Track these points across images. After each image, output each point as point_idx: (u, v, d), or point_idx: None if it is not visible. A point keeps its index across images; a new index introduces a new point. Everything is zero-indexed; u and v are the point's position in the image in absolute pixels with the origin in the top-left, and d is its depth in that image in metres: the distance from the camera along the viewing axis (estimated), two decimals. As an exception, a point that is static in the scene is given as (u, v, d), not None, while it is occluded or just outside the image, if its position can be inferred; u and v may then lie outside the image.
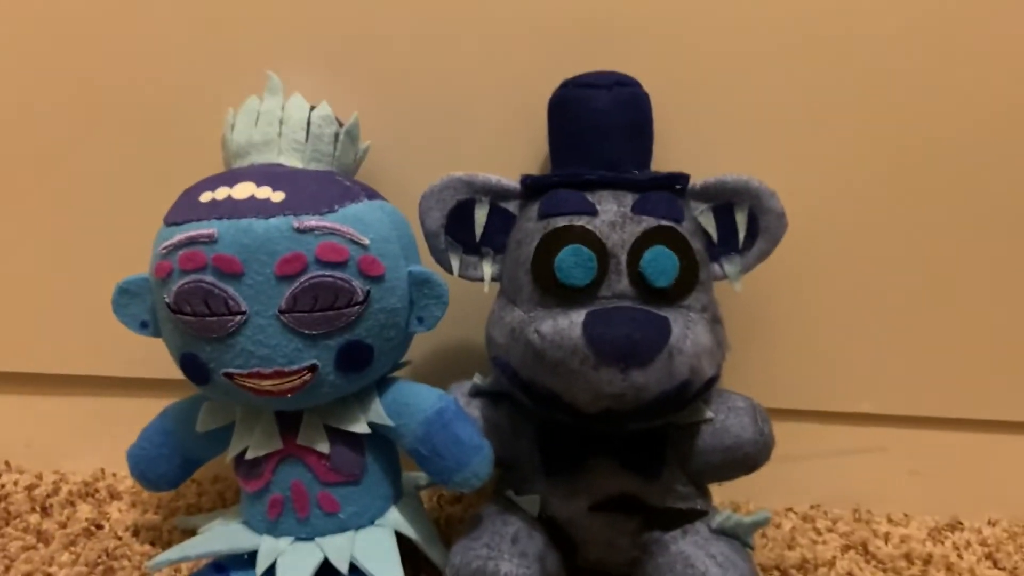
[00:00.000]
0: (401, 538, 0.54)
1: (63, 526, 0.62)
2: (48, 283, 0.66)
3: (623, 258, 0.50)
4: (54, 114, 0.63)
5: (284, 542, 0.52)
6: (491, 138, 0.62)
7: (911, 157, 0.62)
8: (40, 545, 0.60)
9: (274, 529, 0.53)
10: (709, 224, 0.54)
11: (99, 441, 0.68)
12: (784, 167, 0.61)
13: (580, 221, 0.51)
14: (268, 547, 0.52)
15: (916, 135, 0.61)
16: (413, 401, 0.53)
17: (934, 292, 0.64)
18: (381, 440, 0.54)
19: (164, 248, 0.47)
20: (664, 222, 0.51)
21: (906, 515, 0.69)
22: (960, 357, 0.66)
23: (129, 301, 0.51)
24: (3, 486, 0.67)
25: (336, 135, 0.54)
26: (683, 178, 0.53)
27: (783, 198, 0.52)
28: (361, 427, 0.52)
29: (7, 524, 0.62)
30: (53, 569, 0.57)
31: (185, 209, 0.48)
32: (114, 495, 0.67)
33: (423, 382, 0.55)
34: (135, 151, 0.63)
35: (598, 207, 0.51)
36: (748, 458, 0.54)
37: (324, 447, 0.51)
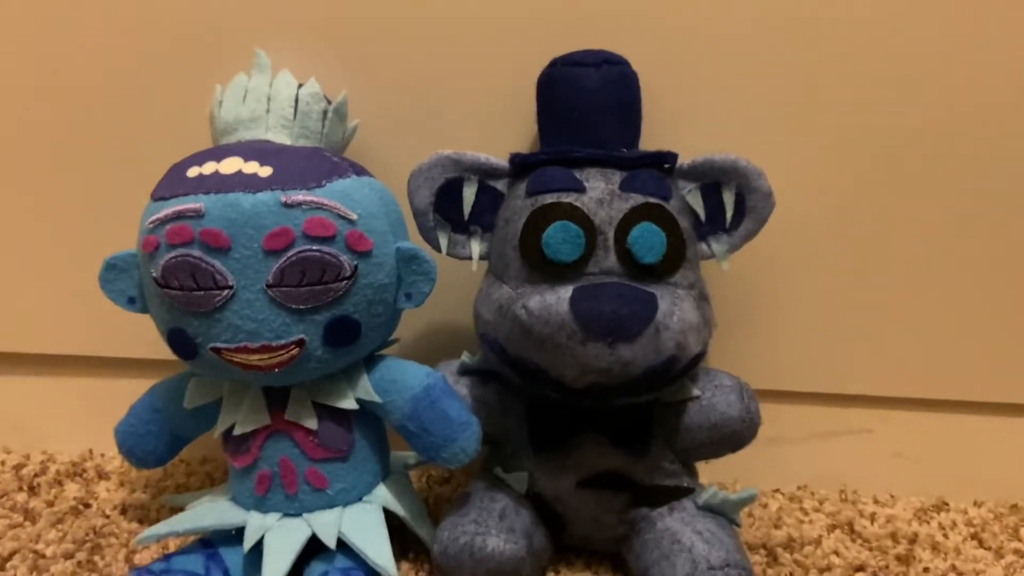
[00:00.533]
0: (389, 515, 0.54)
1: (50, 505, 0.62)
2: (36, 262, 0.66)
3: (610, 235, 0.50)
4: (40, 91, 0.63)
5: (272, 518, 0.52)
6: (480, 117, 0.62)
7: (900, 138, 0.62)
8: (27, 523, 0.60)
9: (262, 505, 0.53)
10: (697, 203, 0.54)
11: (87, 422, 0.68)
12: (772, 146, 0.61)
13: (568, 198, 0.51)
14: (256, 523, 0.52)
15: (908, 114, 0.61)
16: (401, 378, 0.53)
17: (922, 274, 0.65)
18: (369, 417, 0.54)
19: (151, 223, 0.47)
20: (652, 199, 0.51)
21: (892, 496, 0.69)
22: (947, 339, 0.66)
23: (116, 277, 0.51)
24: (-9, 466, 0.67)
25: (324, 113, 0.54)
26: (671, 157, 0.54)
27: (771, 178, 0.53)
28: (349, 403, 0.52)
29: (-6, 503, 0.62)
30: (40, 546, 0.57)
31: (172, 184, 0.48)
32: (102, 475, 0.67)
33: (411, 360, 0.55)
34: (123, 128, 0.63)
35: (586, 184, 0.51)
36: (734, 436, 0.54)
37: (312, 423, 0.52)
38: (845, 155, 0.62)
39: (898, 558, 0.60)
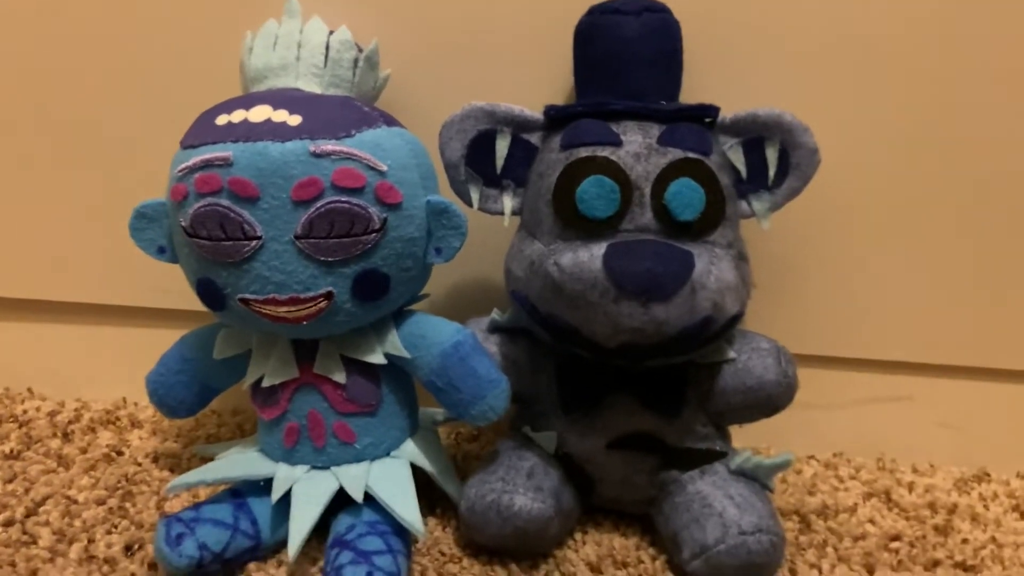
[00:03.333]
0: (416, 471, 0.54)
1: (83, 451, 0.63)
2: (70, 211, 0.66)
3: (647, 190, 0.48)
4: (72, 39, 0.62)
5: (300, 470, 0.52)
6: (514, 67, 0.60)
7: (950, 95, 0.59)
8: (60, 469, 0.61)
9: (290, 457, 0.53)
10: (738, 159, 0.52)
11: (121, 370, 0.68)
12: (819, 101, 0.58)
13: (603, 152, 0.49)
14: (284, 474, 0.52)
15: (961, 68, 0.58)
16: (430, 333, 0.52)
17: (969, 237, 0.62)
18: (398, 372, 0.53)
19: (180, 171, 0.47)
20: (691, 154, 0.49)
21: (932, 465, 0.68)
22: (994, 305, 0.64)
23: (146, 225, 0.50)
24: (25, 412, 0.68)
25: (355, 61, 0.53)
26: (713, 110, 0.51)
27: (816, 134, 0.50)
28: (377, 358, 0.51)
29: (28, 448, 0.63)
30: (73, 492, 0.58)
31: (201, 132, 0.47)
32: (135, 423, 0.68)
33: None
34: (154, 75, 0.62)
35: (623, 138, 0.49)
36: (770, 400, 0.53)
37: (340, 377, 0.51)
38: (893, 112, 0.60)
39: (936, 528, 0.59)
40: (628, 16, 0.51)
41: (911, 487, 0.64)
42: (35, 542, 0.52)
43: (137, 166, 0.62)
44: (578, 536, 0.56)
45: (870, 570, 0.54)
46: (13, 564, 0.50)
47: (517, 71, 0.60)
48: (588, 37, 0.53)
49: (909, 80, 0.59)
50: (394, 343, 0.52)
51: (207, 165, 0.46)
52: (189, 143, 0.47)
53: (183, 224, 0.47)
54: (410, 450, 0.55)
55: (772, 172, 0.52)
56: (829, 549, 0.56)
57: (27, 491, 0.57)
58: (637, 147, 0.49)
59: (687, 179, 0.48)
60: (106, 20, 0.62)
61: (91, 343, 0.71)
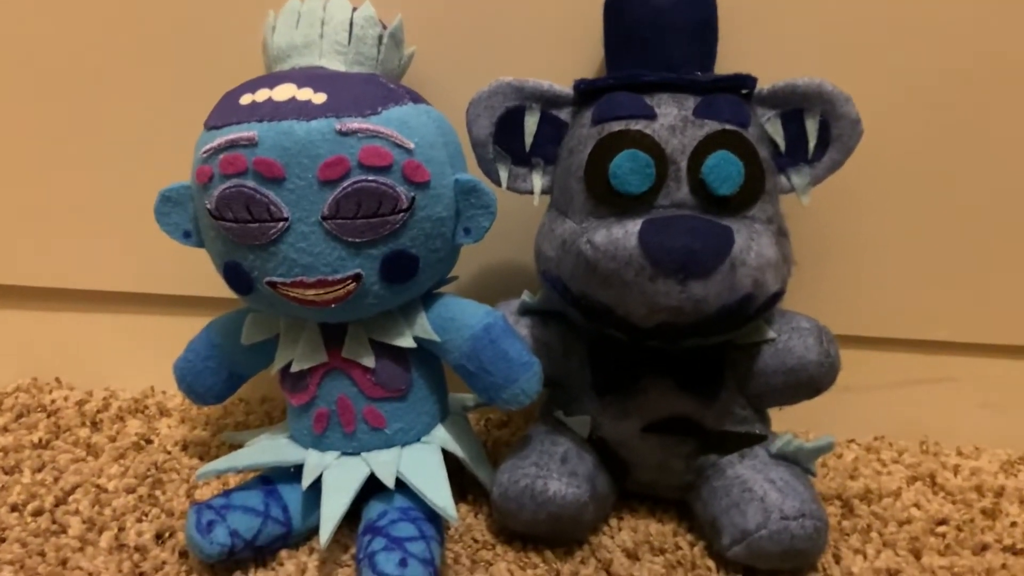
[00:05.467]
0: (447, 457, 0.53)
1: (112, 440, 0.63)
2: (95, 199, 0.66)
3: (683, 164, 0.47)
4: (95, 22, 0.62)
5: (330, 456, 0.52)
6: (542, 41, 0.58)
7: (997, 68, 0.57)
8: (90, 458, 0.60)
9: (320, 443, 0.52)
10: (776, 132, 0.50)
11: (148, 359, 0.68)
12: (860, 71, 0.56)
13: (637, 125, 0.48)
14: (314, 461, 0.51)
15: (1007, 39, 0.56)
16: (460, 316, 0.51)
17: (1014, 214, 0.60)
18: (427, 356, 0.52)
19: (205, 152, 0.46)
20: (729, 126, 0.47)
21: (977, 448, 0.66)
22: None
23: (171, 209, 0.50)
24: (53, 401, 0.68)
25: (380, 38, 0.52)
26: (750, 81, 0.50)
27: (857, 104, 0.48)
28: (406, 341, 0.50)
29: (56, 438, 0.63)
30: (102, 481, 0.57)
31: (225, 112, 0.46)
32: (163, 412, 0.67)
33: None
34: (177, 57, 0.62)
35: (657, 110, 0.48)
36: (812, 381, 0.51)
37: (369, 361, 0.50)
38: (937, 80, 0.58)
39: (984, 512, 0.57)
40: (661, -16, 0.49)
41: (956, 470, 0.62)
42: (65, 531, 0.52)
43: (161, 149, 0.61)
44: (613, 522, 0.55)
45: (917, 555, 0.52)
46: (43, 554, 0.50)
47: (545, 45, 0.58)
48: (619, 7, 0.51)
49: (953, 47, 0.57)
50: (423, 326, 0.51)
51: (232, 146, 0.45)
52: (213, 124, 0.46)
53: (208, 207, 0.46)
54: (441, 435, 0.54)
55: (812, 144, 0.50)
56: (874, 534, 0.54)
57: (56, 480, 0.57)
58: (672, 120, 0.47)
59: (725, 152, 0.46)
60: (129, 3, 0.61)
61: (118, 331, 0.71)
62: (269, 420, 0.66)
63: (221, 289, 0.50)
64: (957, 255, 0.62)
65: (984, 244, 0.61)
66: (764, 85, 0.50)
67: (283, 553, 0.51)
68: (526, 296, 0.56)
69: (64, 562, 0.49)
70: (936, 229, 0.61)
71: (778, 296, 0.47)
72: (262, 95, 0.46)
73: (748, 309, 0.46)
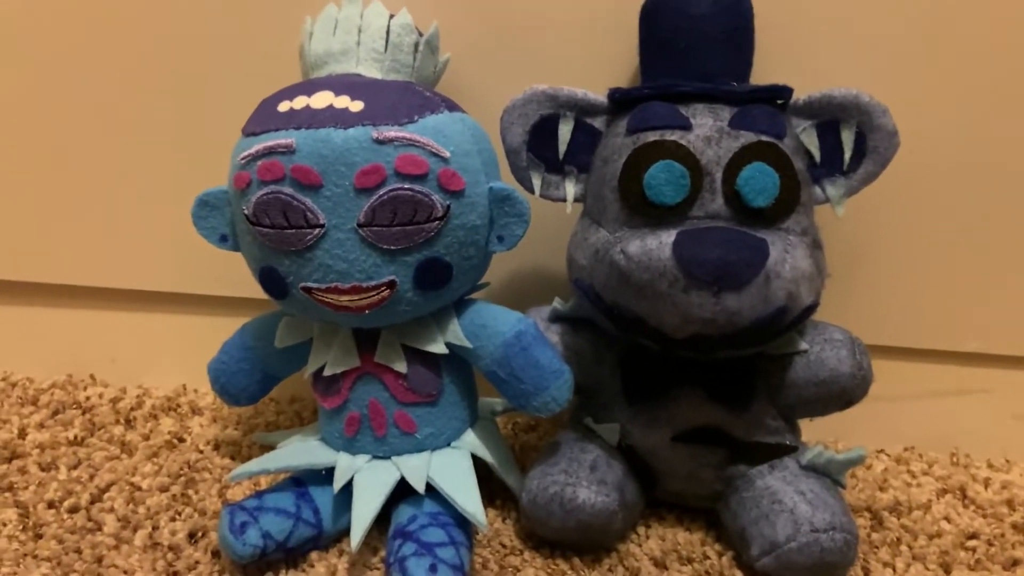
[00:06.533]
0: (476, 462, 0.53)
1: (146, 438, 0.64)
2: (132, 199, 0.67)
3: (718, 175, 0.47)
4: (132, 26, 0.62)
5: (361, 459, 0.52)
6: (577, 49, 0.58)
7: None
8: (124, 456, 0.61)
9: (351, 446, 0.52)
10: (812, 143, 0.50)
11: (181, 358, 0.69)
12: (896, 82, 0.56)
13: (672, 135, 0.47)
14: (345, 463, 0.52)
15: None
16: (492, 323, 0.51)
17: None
18: (458, 362, 0.53)
19: (243, 158, 0.46)
20: (764, 138, 0.47)
21: (1008, 460, 0.65)
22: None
23: (209, 213, 0.50)
24: (88, 398, 0.69)
25: (416, 45, 0.52)
26: (786, 91, 0.50)
27: (894, 116, 0.48)
28: (438, 347, 0.51)
29: (91, 435, 0.64)
30: (136, 479, 0.58)
31: (263, 119, 0.47)
32: (195, 410, 0.68)
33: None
34: (215, 62, 0.62)
35: (692, 121, 0.48)
36: (844, 393, 0.51)
37: (401, 366, 0.51)
38: (974, 92, 0.57)
39: (1015, 526, 0.56)
40: (698, -7, 0.49)
41: (987, 483, 0.62)
42: (100, 529, 0.53)
43: (198, 152, 0.62)
44: (641, 530, 0.55)
45: (947, 569, 0.52)
46: (79, 551, 0.51)
47: (580, 53, 0.58)
48: (655, 16, 0.51)
49: (991, 60, 0.56)
50: (455, 332, 0.51)
51: (270, 152, 0.45)
52: (251, 130, 0.47)
53: (246, 212, 0.47)
54: (471, 440, 0.54)
55: (848, 156, 0.50)
56: (903, 547, 0.54)
57: (92, 477, 0.58)
58: (708, 130, 0.47)
59: (760, 163, 0.46)
60: (169, 5, 0.61)
61: (151, 330, 0.71)
62: (299, 420, 0.67)
63: (253, 290, 0.51)
64: (990, 266, 0.61)
65: (1018, 256, 0.60)
66: (800, 95, 0.50)
67: (313, 555, 0.51)
68: (557, 303, 0.56)
69: (100, 560, 0.50)
70: (969, 240, 0.60)
71: (812, 309, 0.47)
72: (300, 102, 0.46)
73: (782, 322, 0.46)
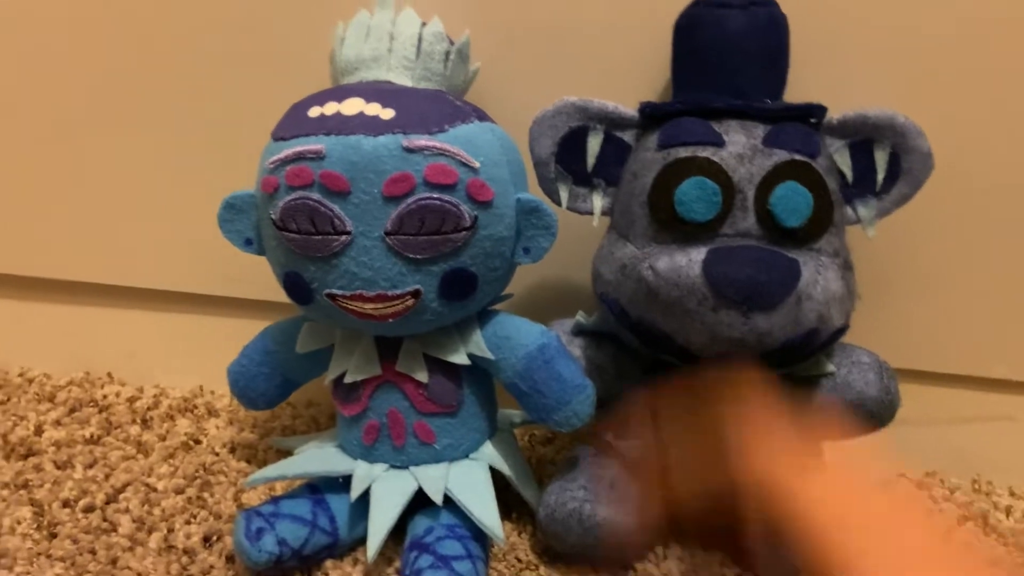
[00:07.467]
0: (493, 473, 0.52)
1: (162, 439, 0.63)
2: (157, 200, 0.67)
3: (750, 194, 0.46)
4: (163, 30, 0.62)
5: (379, 468, 0.52)
6: (609, 61, 0.58)
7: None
8: (140, 456, 0.61)
9: (369, 455, 0.52)
10: (844, 162, 0.50)
11: (199, 359, 0.69)
12: (933, 104, 0.55)
13: (704, 152, 0.47)
14: (363, 472, 0.51)
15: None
16: (515, 335, 0.51)
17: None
18: (479, 373, 0.52)
19: (271, 163, 0.46)
20: (798, 156, 0.47)
21: (1031, 489, 0.64)
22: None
23: (234, 216, 0.50)
24: (105, 397, 0.69)
25: (447, 53, 0.52)
26: (820, 110, 0.49)
27: (929, 138, 0.48)
28: (460, 358, 0.50)
29: (108, 434, 0.64)
30: (152, 480, 0.58)
31: (293, 124, 0.47)
32: (212, 412, 0.68)
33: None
34: (246, 66, 0.62)
35: (725, 138, 0.47)
36: (871, 416, 0.51)
37: (422, 376, 0.50)
38: (1010, 115, 0.56)
39: (1037, 557, 0.56)
40: (734, 9, 0.48)
41: (1008, 511, 0.61)
42: (115, 530, 0.53)
43: (227, 156, 0.62)
44: (660, 550, 0.54)
45: (969, 600, 0.51)
46: (93, 552, 0.51)
47: (611, 66, 0.58)
48: (690, 31, 0.51)
49: (1026, 81, 0.55)
50: (478, 343, 0.51)
51: (299, 158, 0.45)
52: (281, 135, 0.47)
53: (273, 217, 0.46)
54: (489, 453, 0.53)
55: (881, 176, 0.49)
56: (925, 575, 0.53)
57: (107, 477, 0.58)
58: (740, 148, 0.47)
59: (793, 183, 0.46)
60: (200, 10, 0.61)
61: (168, 330, 0.71)
62: (316, 424, 0.67)
63: (273, 293, 0.51)
64: (1018, 292, 0.60)
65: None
66: (833, 114, 0.49)
67: (328, 563, 0.51)
68: (580, 316, 0.56)
69: (114, 561, 0.50)
70: (998, 266, 0.60)
71: (842, 331, 0.47)
72: (330, 108, 0.46)
73: (812, 344, 0.45)
